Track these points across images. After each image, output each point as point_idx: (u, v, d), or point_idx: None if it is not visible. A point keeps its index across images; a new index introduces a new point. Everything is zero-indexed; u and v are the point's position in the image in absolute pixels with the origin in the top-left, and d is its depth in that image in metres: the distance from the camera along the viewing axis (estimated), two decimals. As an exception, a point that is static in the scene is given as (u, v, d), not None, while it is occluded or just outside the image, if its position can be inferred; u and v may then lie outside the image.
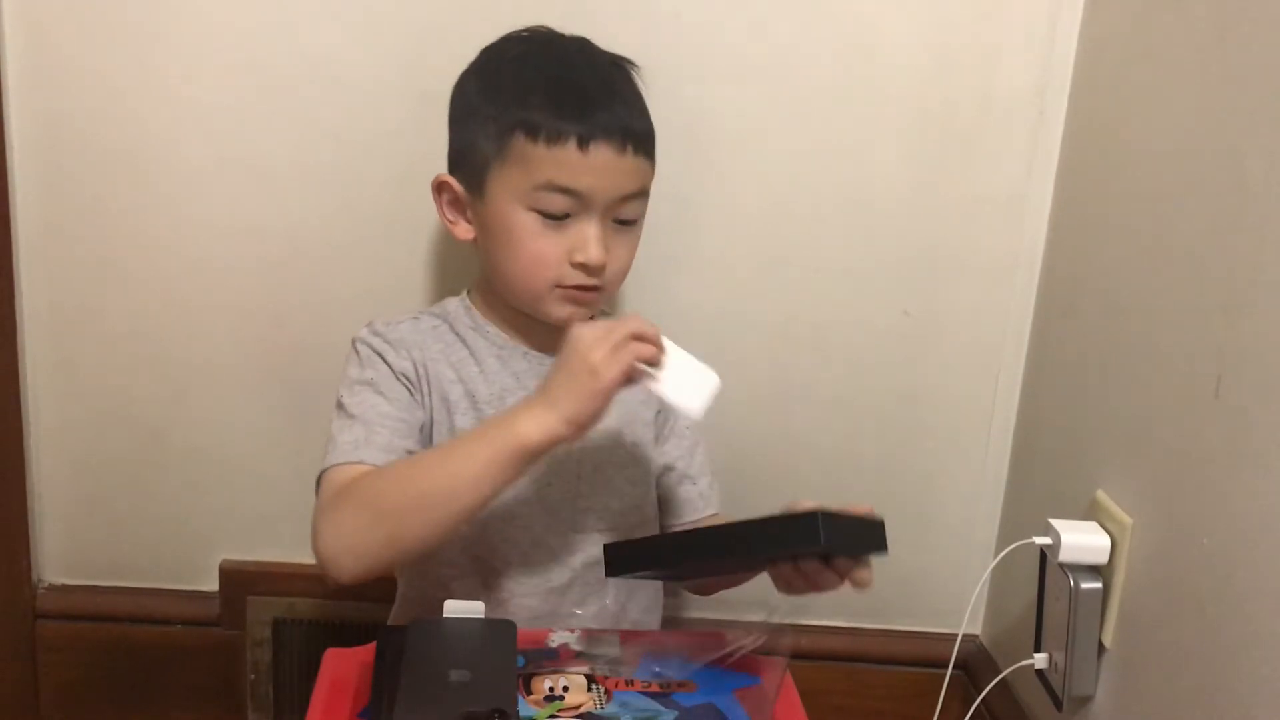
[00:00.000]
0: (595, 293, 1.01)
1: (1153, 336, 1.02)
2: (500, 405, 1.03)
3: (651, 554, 0.93)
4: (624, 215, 1.00)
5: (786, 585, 0.93)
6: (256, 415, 1.28)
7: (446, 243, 1.23)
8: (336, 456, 0.96)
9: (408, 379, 1.01)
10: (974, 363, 1.30)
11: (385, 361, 1.01)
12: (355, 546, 0.90)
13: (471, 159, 1.00)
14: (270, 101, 1.20)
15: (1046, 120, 1.22)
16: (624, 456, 1.06)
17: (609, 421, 1.05)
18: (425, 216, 1.20)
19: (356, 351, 1.02)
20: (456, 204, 1.03)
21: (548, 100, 0.96)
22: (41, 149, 1.21)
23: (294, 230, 1.23)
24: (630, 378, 0.88)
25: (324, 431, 1.08)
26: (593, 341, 0.87)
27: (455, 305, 1.08)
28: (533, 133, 0.96)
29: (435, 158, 1.06)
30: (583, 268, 0.98)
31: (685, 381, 0.90)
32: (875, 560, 1.33)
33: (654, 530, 1.11)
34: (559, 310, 1.01)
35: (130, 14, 1.17)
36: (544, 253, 0.98)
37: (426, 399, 1.02)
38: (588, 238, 0.98)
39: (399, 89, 1.18)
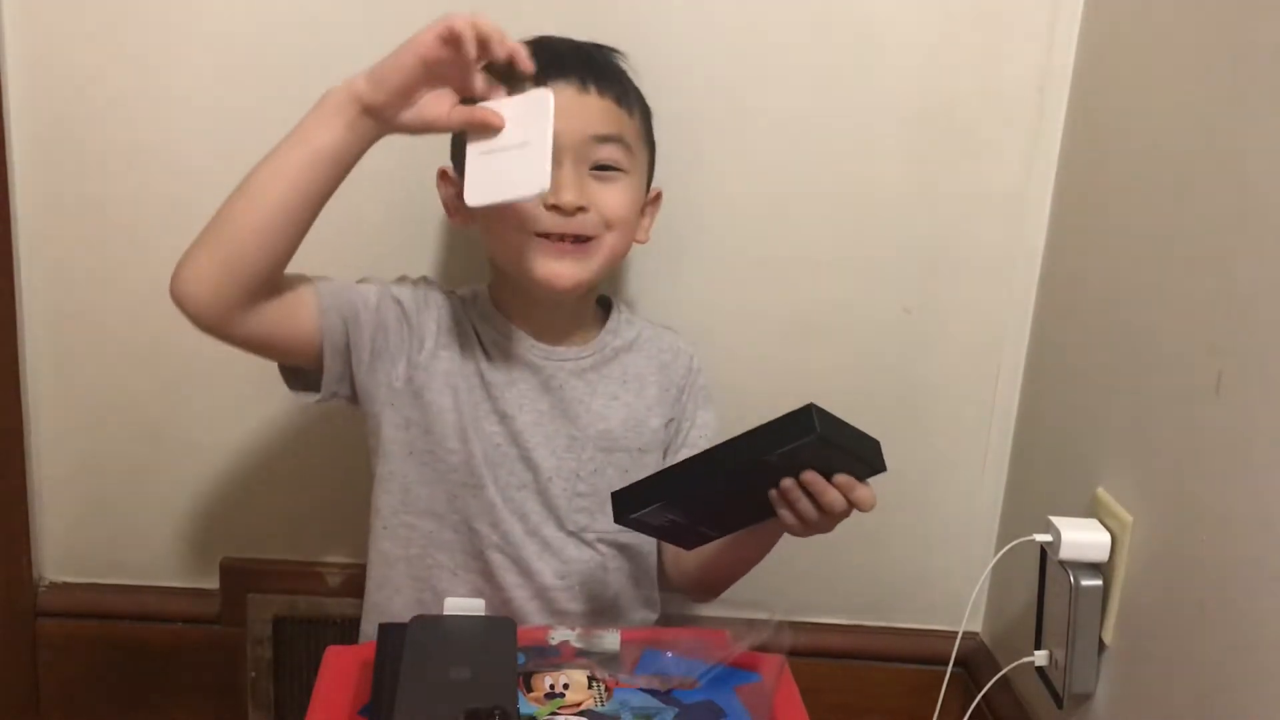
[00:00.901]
0: (581, 245, 0.99)
1: (1153, 333, 1.02)
2: (509, 391, 1.03)
3: (656, 489, 0.90)
4: (600, 159, 0.99)
5: (796, 515, 0.90)
6: (256, 413, 1.28)
7: (448, 238, 1.23)
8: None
9: (401, 306, 1.03)
10: (974, 360, 1.30)
11: (395, 298, 1.03)
12: (195, 245, 0.92)
13: (458, 138, 1.01)
14: (269, 100, 1.18)
15: (1046, 117, 1.22)
16: (626, 460, 1.06)
17: (613, 422, 1.05)
18: (427, 212, 1.20)
19: (387, 284, 1.05)
20: (458, 192, 1.03)
21: (520, 61, 0.95)
22: (41, 150, 1.21)
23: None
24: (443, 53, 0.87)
25: (324, 428, 1.09)
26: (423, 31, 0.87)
27: (480, 291, 1.09)
28: (505, 82, 0.94)
29: (435, 153, 1.06)
30: (556, 210, 0.97)
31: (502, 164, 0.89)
32: (876, 559, 1.35)
33: (653, 545, 1.10)
34: (544, 265, 0.99)
35: (129, 15, 1.17)
36: (528, 208, 0.97)
37: (403, 347, 1.02)
38: (559, 181, 0.96)
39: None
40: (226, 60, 1.19)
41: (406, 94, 0.90)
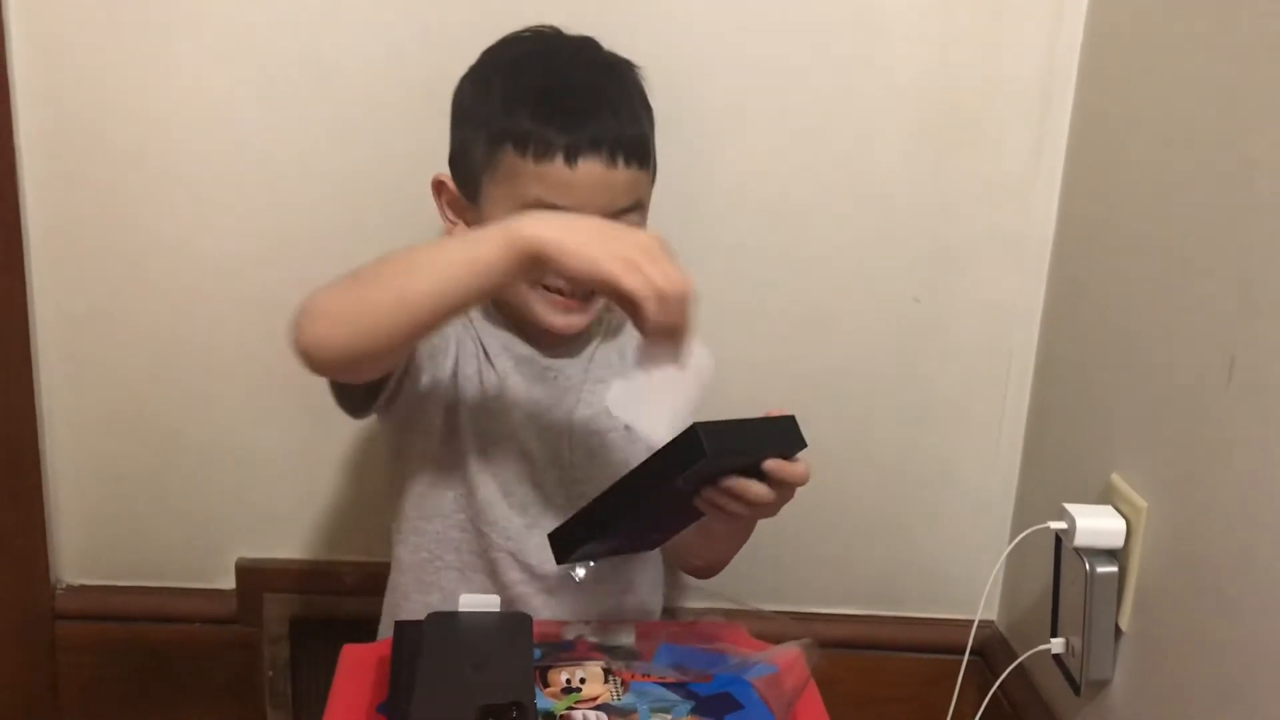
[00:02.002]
0: (587, 304, 1.00)
1: (1165, 319, 1.02)
2: (507, 384, 1.02)
3: (582, 526, 0.89)
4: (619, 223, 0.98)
5: (725, 516, 0.90)
6: (269, 414, 1.29)
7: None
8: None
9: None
10: (985, 349, 1.29)
11: None
12: (324, 303, 0.88)
13: (466, 165, 1.01)
14: (277, 100, 1.20)
15: (1053, 105, 1.22)
16: (617, 439, 1.05)
17: (598, 406, 1.04)
18: (431, 212, 1.20)
19: None
20: (456, 205, 1.03)
21: (535, 112, 0.95)
22: (50, 151, 1.21)
23: (302, 229, 1.23)
24: (619, 294, 0.81)
25: (336, 428, 1.09)
26: (649, 239, 0.83)
27: None
28: (520, 147, 0.95)
29: (442, 154, 1.06)
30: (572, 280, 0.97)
31: (656, 393, 0.86)
32: (891, 548, 1.34)
33: None
34: (548, 315, 1.00)
35: (136, 15, 1.17)
36: None
37: (437, 356, 1.01)
38: None
39: (405, 85, 1.18)
40: (234, 60, 1.19)
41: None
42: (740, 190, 1.24)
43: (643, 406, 0.86)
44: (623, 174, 0.96)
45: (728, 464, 0.86)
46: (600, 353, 1.07)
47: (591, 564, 0.97)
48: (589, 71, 1.01)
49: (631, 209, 0.98)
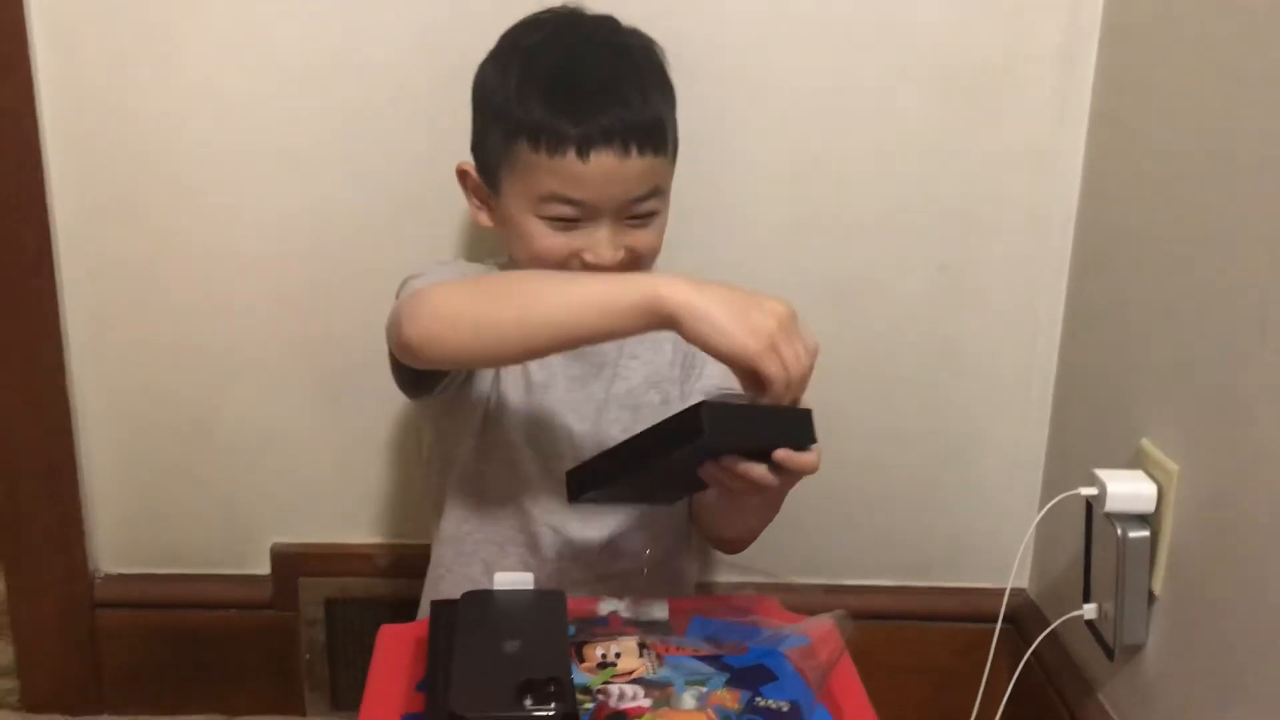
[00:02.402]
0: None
1: (1194, 280, 1.01)
2: (543, 364, 1.03)
3: (596, 472, 0.89)
4: (638, 212, 0.99)
5: (730, 494, 0.90)
6: (298, 400, 1.30)
7: (472, 229, 1.23)
8: (419, 287, 0.92)
9: None
10: (1012, 316, 1.29)
11: (462, 271, 1.02)
12: (445, 302, 0.88)
13: (485, 155, 1.02)
14: (296, 90, 1.20)
15: (1077, 68, 1.21)
16: (651, 415, 1.06)
17: (635, 381, 1.06)
18: (455, 198, 1.20)
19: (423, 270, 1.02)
20: (480, 192, 1.04)
21: (548, 104, 0.95)
22: (74, 147, 1.22)
23: (325, 216, 1.24)
24: (762, 372, 0.82)
25: (364, 413, 1.10)
26: (786, 313, 0.83)
27: (505, 264, 1.09)
28: (534, 141, 0.95)
29: (461, 138, 1.06)
30: (595, 267, 0.98)
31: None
32: (921, 519, 1.34)
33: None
34: None
35: (155, 8, 1.18)
36: (555, 249, 0.99)
37: None
38: (597, 240, 0.98)
39: (423, 69, 1.19)
40: (253, 51, 1.19)
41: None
42: (763, 162, 1.23)
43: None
44: (637, 163, 0.96)
45: (731, 446, 0.85)
46: None
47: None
48: (603, 58, 1.00)
49: (649, 196, 0.99)
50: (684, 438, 0.81)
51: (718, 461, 0.87)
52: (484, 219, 1.05)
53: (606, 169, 0.95)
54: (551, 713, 0.74)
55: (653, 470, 0.87)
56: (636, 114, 0.96)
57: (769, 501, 0.98)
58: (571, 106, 0.94)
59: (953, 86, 1.21)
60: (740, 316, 0.82)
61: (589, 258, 0.98)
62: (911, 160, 1.24)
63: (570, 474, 0.90)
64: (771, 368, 0.81)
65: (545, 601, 0.89)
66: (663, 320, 0.83)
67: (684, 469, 0.89)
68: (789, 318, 0.84)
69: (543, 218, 0.98)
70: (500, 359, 0.93)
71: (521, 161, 0.97)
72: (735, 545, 1.11)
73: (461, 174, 1.05)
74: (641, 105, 0.97)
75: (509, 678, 0.76)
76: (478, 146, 1.03)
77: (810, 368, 0.84)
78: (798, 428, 0.86)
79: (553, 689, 0.75)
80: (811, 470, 0.86)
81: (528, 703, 0.74)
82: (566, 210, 0.97)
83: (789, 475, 0.87)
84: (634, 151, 0.95)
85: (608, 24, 1.03)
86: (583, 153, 0.94)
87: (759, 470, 0.86)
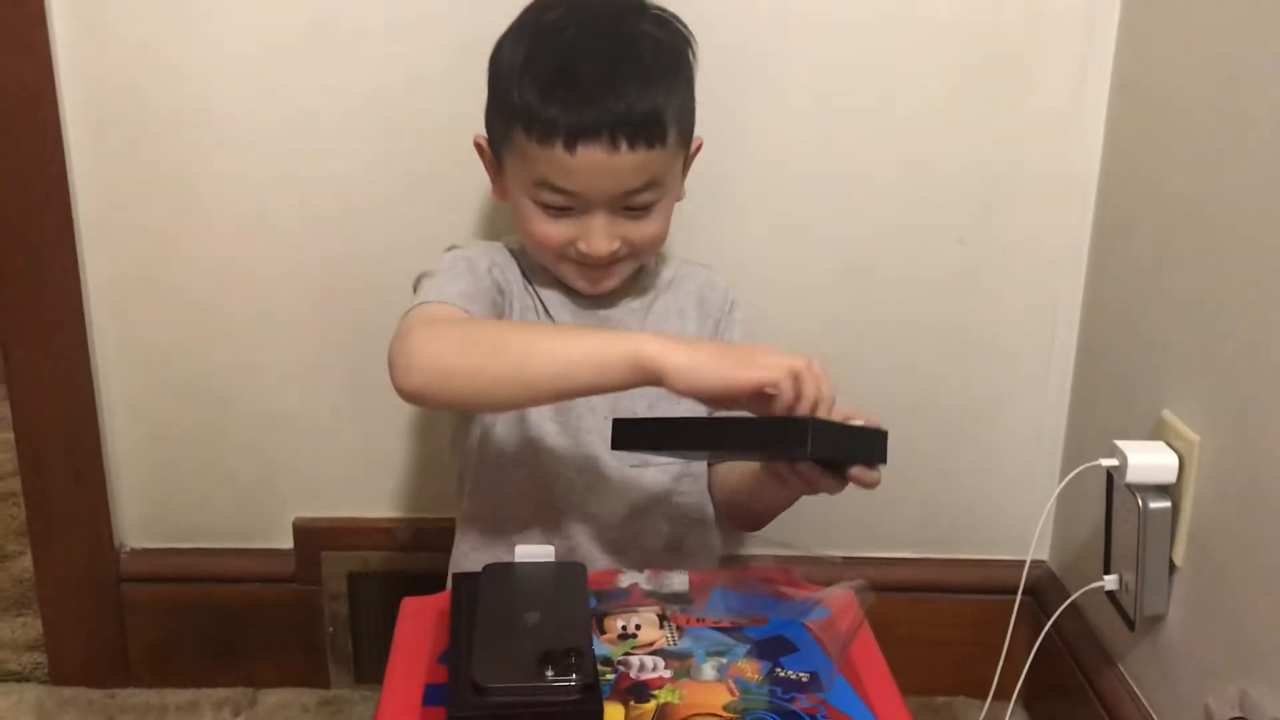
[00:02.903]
0: (616, 265, 1.01)
1: (1217, 249, 1.00)
2: None
3: (654, 435, 0.91)
4: (634, 204, 0.99)
5: (782, 483, 0.92)
6: (320, 376, 1.30)
7: (492, 205, 1.23)
8: (425, 296, 0.96)
9: (496, 283, 1.03)
10: (1032, 287, 1.28)
11: (469, 264, 1.02)
12: (439, 359, 0.89)
13: (492, 131, 1.03)
14: (316, 65, 1.20)
15: (1097, 34, 1.19)
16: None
17: None
18: (474, 169, 1.20)
19: (444, 253, 1.05)
20: (492, 165, 1.05)
21: (542, 91, 0.94)
22: (95, 125, 1.22)
23: (346, 190, 1.24)
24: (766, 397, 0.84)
25: (386, 389, 1.09)
26: (772, 353, 0.85)
27: (511, 246, 1.10)
28: (527, 128, 0.95)
29: (480, 110, 1.06)
30: (588, 257, 0.99)
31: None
32: (941, 491, 1.34)
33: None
34: (577, 280, 1.03)
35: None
36: (551, 235, 0.99)
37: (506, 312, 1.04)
38: (590, 229, 0.98)
39: (440, 41, 1.19)
40: (272, 22, 1.19)
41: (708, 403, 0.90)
42: (782, 136, 1.23)
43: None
44: (627, 157, 0.95)
45: (819, 458, 0.87)
46: (659, 304, 1.09)
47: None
48: (607, 46, 0.97)
49: (644, 189, 0.98)
50: (783, 446, 0.84)
51: (793, 464, 0.89)
52: (496, 193, 1.06)
53: (595, 162, 0.95)
54: (572, 683, 0.75)
55: (717, 450, 0.89)
56: (629, 108, 0.94)
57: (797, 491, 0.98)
58: (564, 96, 0.94)
59: (971, 58, 1.20)
60: (735, 361, 0.85)
61: (582, 247, 0.98)
62: (930, 132, 1.23)
63: (620, 423, 0.90)
64: (793, 386, 0.84)
65: (566, 573, 0.89)
66: (650, 376, 0.85)
67: (749, 454, 0.91)
68: (806, 358, 0.86)
69: (537, 202, 0.98)
70: (500, 407, 0.97)
71: (518, 145, 0.97)
72: (754, 526, 1.11)
73: (478, 146, 1.06)
74: (637, 98, 0.95)
75: (530, 649, 0.77)
76: (488, 120, 1.03)
77: (831, 400, 0.86)
78: (875, 446, 0.88)
79: (573, 660, 0.76)
80: (872, 486, 0.89)
81: (549, 673, 0.75)
82: (557, 199, 0.97)
83: (845, 485, 0.89)
84: (623, 146, 0.94)
85: (627, 5, 1.01)
86: (569, 145, 0.94)
87: (828, 482, 0.89)
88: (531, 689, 0.75)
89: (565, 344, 0.90)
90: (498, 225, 1.24)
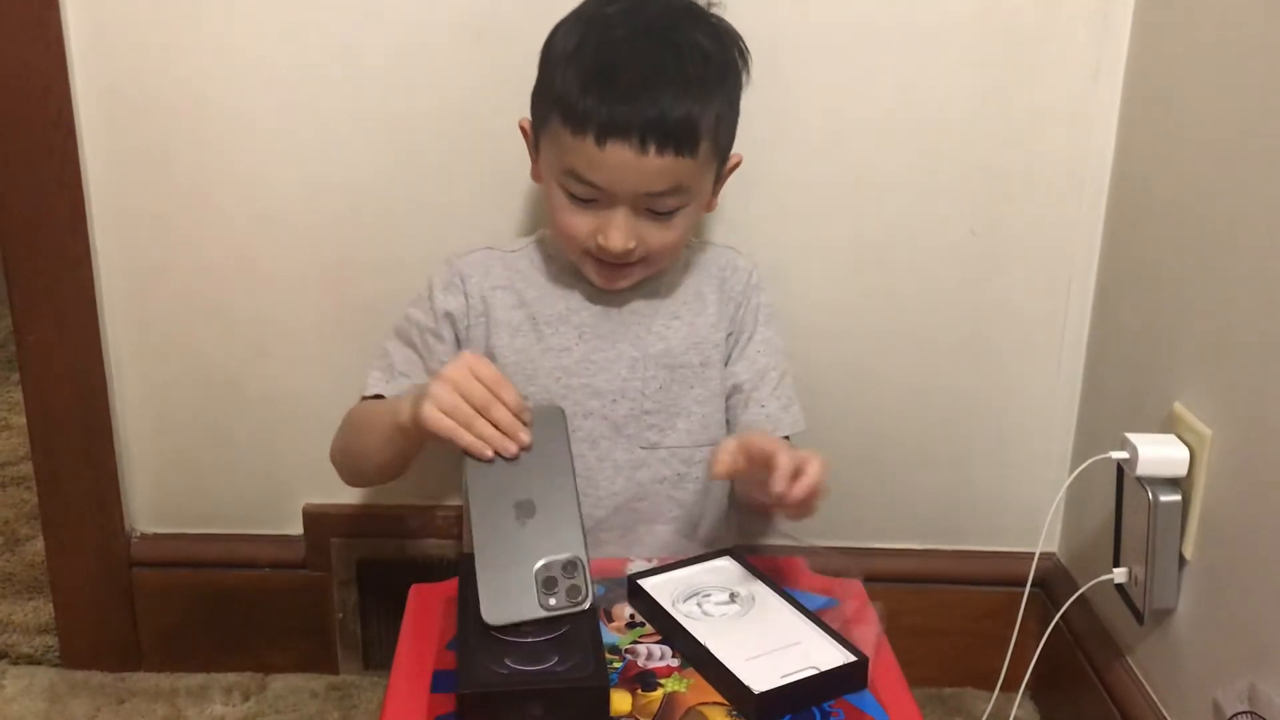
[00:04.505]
0: (628, 267, 1.02)
1: (1230, 241, 1.00)
2: (563, 326, 1.06)
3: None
4: (656, 208, 0.99)
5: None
6: (330, 362, 1.31)
7: (510, 186, 1.23)
8: (366, 388, 1.08)
9: (451, 318, 1.07)
10: (1044, 279, 1.28)
11: (433, 305, 1.07)
12: (338, 466, 1.10)
13: (535, 112, 1.03)
14: (328, 51, 1.20)
15: (1112, 25, 1.19)
16: (690, 375, 1.07)
17: (674, 341, 1.06)
18: (487, 159, 1.20)
19: (427, 283, 1.09)
20: (532, 148, 1.06)
21: (583, 83, 0.95)
22: (107, 111, 1.23)
23: (358, 179, 1.24)
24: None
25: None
26: (454, 380, 0.85)
27: (531, 239, 1.12)
28: (563, 117, 0.96)
29: (491, 100, 1.06)
30: (605, 251, 0.99)
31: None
32: (951, 482, 1.34)
33: None
34: (596, 276, 1.04)
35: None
36: (574, 226, 1.00)
37: (476, 329, 1.07)
38: (610, 224, 0.99)
39: (451, 32, 1.18)
40: (283, 15, 1.19)
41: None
42: (795, 124, 1.22)
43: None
44: (655, 161, 0.95)
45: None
46: (680, 287, 1.09)
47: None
48: (651, 49, 0.97)
49: (668, 193, 0.98)
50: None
51: None
52: (534, 174, 1.07)
53: (622, 160, 0.95)
54: (582, 606, 0.81)
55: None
56: (663, 113, 0.95)
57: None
58: (601, 91, 0.95)
59: (986, 45, 1.20)
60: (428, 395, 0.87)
61: (600, 240, 0.99)
62: (944, 123, 1.22)
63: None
64: (451, 432, 0.86)
65: (545, 423, 0.88)
66: (429, 434, 0.87)
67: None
68: (458, 378, 0.86)
69: (565, 190, 0.99)
70: (391, 475, 1.04)
71: (553, 131, 0.98)
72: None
73: (522, 129, 1.06)
74: (673, 104, 0.95)
75: (529, 569, 0.81)
76: (533, 102, 1.04)
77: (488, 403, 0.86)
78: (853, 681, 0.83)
79: (573, 579, 0.81)
80: (815, 485, 0.88)
81: (553, 602, 0.81)
82: (583, 190, 0.98)
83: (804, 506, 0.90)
84: (652, 149, 0.95)
85: (684, 9, 1.02)
86: (600, 141, 0.95)
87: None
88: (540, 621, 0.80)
89: (377, 418, 0.99)
90: (508, 218, 1.24)
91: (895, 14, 1.19)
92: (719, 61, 1.01)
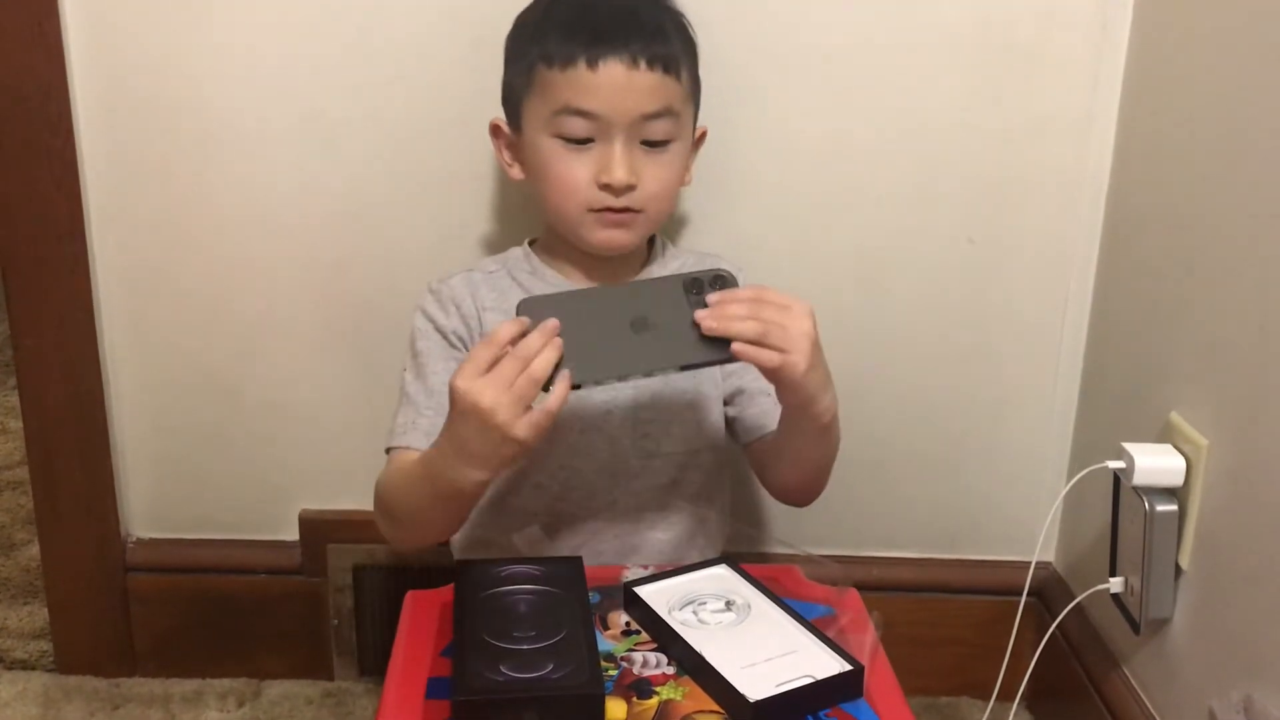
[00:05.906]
0: (630, 215, 1.02)
1: (1227, 251, 1.00)
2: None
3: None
4: (651, 135, 1.00)
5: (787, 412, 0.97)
6: (327, 368, 1.31)
7: (507, 190, 1.23)
8: (391, 440, 1.04)
9: (460, 338, 1.06)
10: (1041, 288, 1.28)
11: (436, 327, 1.06)
12: (390, 537, 1.04)
13: (511, 97, 1.04)
14: (325, 55, 1.20)
15: (1110, 35, 1.19)
16: (680, 379, 1.07)
17: None
18: (484, 164, 1.20)
19: (417, 315, 1.07)
20: (512, 145, 1.07)
21: (564, 29, 0.98)
22: (105, 114, 1.22)
23: (355, 184, 1.24)
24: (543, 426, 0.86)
25: (393, 381, 1.10)
26: (494, 403, 0.84)
27: (517, 253, 1.12)
28: (548, 60, 0.98)
29: (489, 105, 1.06)
30: (608, 189, 0.99)
31: None
32: (947, 491, 1.34)
33: (723, 456, 1.11)
34: (597, 234, 1.03)
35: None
36: (572, 175, 1.00)
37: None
38: (611, 158, 0.99)
39: (450, 37, 1.18)
40: (282, 18, 1.19)
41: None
42: (789, 132, 1.23)
43: None
44: (646, 76, 0.98)
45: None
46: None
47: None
48: (625, 2, 1.02)
49: (660, 115, 1.00)
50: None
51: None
52: (515, 173, 1.07)
53: (615, 78, 0.97)
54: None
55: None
56: (649, 36, 0.99)
57: (818, 432, 0.97)
58: (586, 27, 0.98)
59: (985, 55, 1.20)
60: (494, 442, 0.86)
61: (603, 178, 0.99)
62: (941, 130, 1.22)
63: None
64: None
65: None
66: (462, 483, 0.90)
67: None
68: (494, 399, 0.84)
69: (557, 135, 1.00)
70: (454, 527, 1.03)
71: (539, 83, 1.00)
72: (802, 493, 1.09)
73: (494, 129, 1.07)
74: (655, 31, 1.00)
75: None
76: (505, 94, 1.06)
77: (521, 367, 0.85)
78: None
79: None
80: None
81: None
82: (578, 124, 0.99)
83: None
84: (643, 64, 0.97)
85: None
86: (591, 62, 0.97)
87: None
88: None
89: (419, 496, 0.96)
90: (509, 223, 1.24)
91: (894, 25, 1.19)
92: (685, 22, 1.05)
